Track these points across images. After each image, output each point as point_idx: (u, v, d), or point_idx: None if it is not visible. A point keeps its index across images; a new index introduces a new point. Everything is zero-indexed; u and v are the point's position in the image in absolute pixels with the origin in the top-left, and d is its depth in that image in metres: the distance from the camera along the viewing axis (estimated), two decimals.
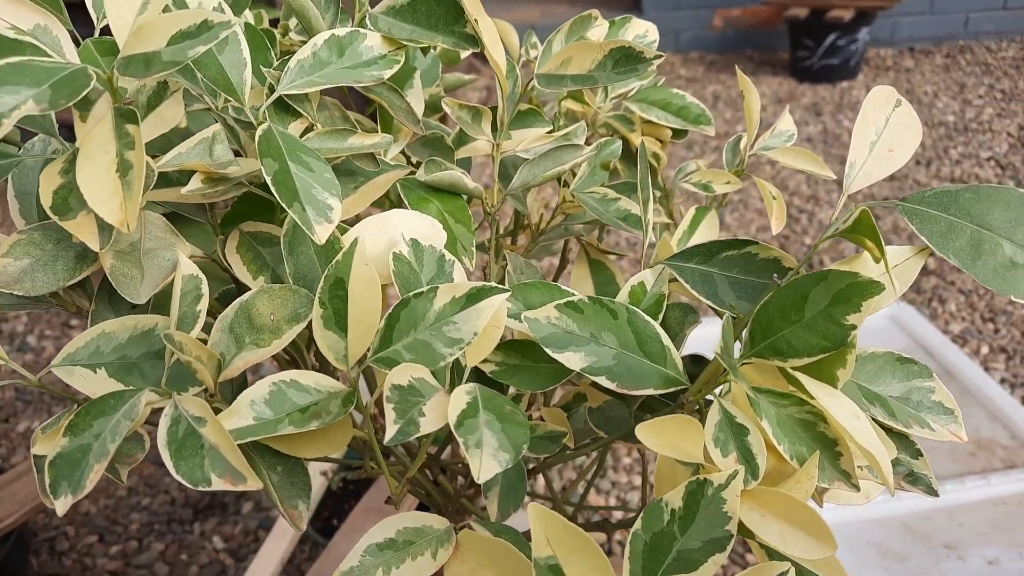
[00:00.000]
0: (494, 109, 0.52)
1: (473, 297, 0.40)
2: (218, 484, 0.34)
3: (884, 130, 0.42)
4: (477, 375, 0.47)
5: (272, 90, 0.44)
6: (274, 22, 0.69)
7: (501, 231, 0.69)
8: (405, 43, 0.47)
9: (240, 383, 0.45)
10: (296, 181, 0.39)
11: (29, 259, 0.40)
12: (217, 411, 0.38)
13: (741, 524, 0.38)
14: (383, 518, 0.42)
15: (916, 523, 1.15)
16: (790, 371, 0.40)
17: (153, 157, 0.41)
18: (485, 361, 0.46)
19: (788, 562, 0.37)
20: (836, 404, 0.39)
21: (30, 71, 0.32)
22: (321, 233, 0.38)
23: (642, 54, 0.45)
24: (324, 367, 0.51)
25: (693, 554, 0.37)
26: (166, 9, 0.40)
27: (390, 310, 0.41)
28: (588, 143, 0.60)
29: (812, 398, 0.39)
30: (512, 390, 0.49)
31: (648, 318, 0.44)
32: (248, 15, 0.57)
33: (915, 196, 0.40)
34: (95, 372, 0.39)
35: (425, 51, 0.61)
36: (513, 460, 0.35)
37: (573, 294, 0.45)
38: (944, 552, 1.10)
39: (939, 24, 3.18)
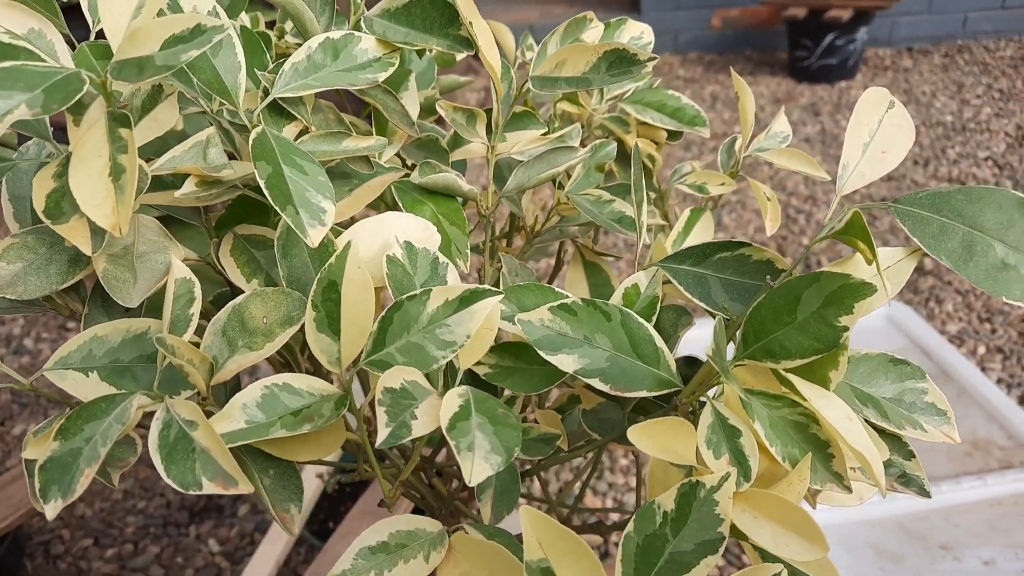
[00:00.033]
0: (489, 111, 0.52)
1: (466, 300, 0.41)
2: (209, 488, 0.34)
3: (877, 131, 0.42)
4: (471, 377, 0.47)
5: (266, 93, 0.44)
6: (271, 24, 0.69)
7: (497, 233, 0.69)
8: (400, 46, 0.47)
9: (234, 386, 0.45)
10: (290, 184, 0.39)
11: (22, 263, 0.40)
12: (210, 414, 0.38)
13: (733, 526, 0.38)
14: (379, 521, 0.42)
15: (912, 524, 1.15)
16: (783, 373, 0.41)
17: (149, 160, 0.41)
18: (479, 363, 0.46)
19: (781, 564, 0.38)
20: (828, 406, 0.39)
21: (23, 76, 0.32)
22: (314, 236, 0.38)
23: (636, 56, 0.45)
24: (318, 370, 0.51)
25: (685, 556, 0.37)
26: (161, 13, 0.40)
27: (383, 313, 0.41)
28: (584, 145, 0.60)
29: (804, 400, 0.39)
30: (507, 392, 0.50)
31: (641, 320, 0.44)
32: (244, 18, 0.57)
33: (907, 198, 0.40)
34: (87, 376, 0.39)
35: (421, 53, 0.61)
36: (505, 463, 0.35)
37: (567, 296, 0.45)
38: (940, 553, 1.10)
39: (937, 24, 3.18)
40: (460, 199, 0.52)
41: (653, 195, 0.64)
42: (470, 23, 0.45)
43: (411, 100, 0.51)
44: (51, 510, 0.32)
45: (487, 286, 0.41)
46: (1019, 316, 1.66)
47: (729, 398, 0.42)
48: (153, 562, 1.25)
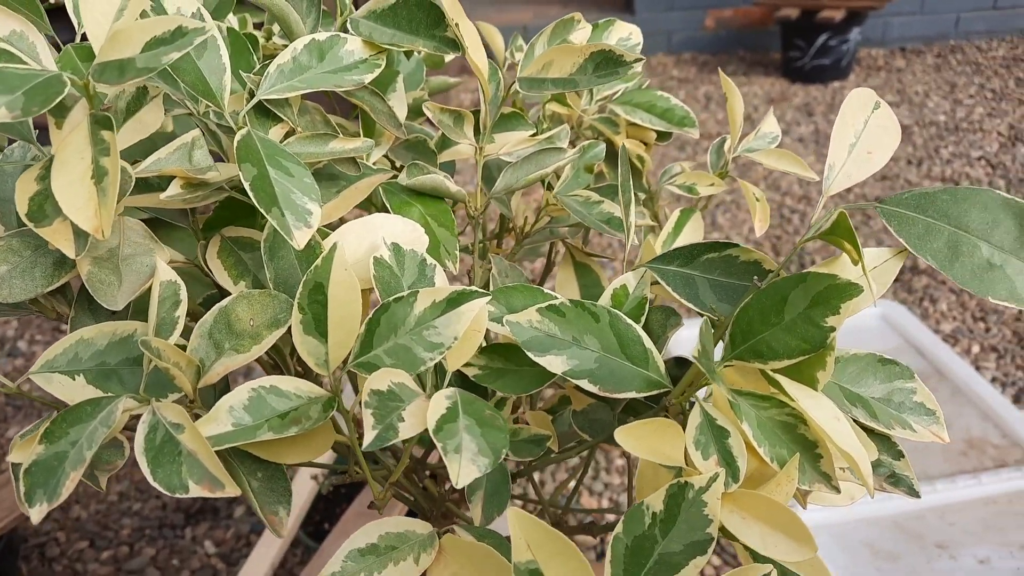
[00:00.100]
0: (476, 113, 0.52)
1: (453, 301, 0.40)
2: (196, 491, 0.34)
3: (863, 132, 0.42)
4: (461, 379, 0.47)
5: (252, 95, 0.44)
6: (259, 25, 0.69)
7: (487, 234, 0.69)
8: (386, 47, 0.47)
9: (223, 388, 0.45)
10: (275, 186, 0.39)
11: (7, 265, 0.40)
12: (197, 417, 0.38)
13: (722, 527, 0.38)
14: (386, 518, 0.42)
15: (908, 522, 1.15)
16: (770, 373, 0.40)
17: (135, 162, 0.41)
18: (468, 365, 0.46)
19: (770, 564, 0.38)
20: (816, 406, 0.39)
21: (3, 78, 0.32)
22: (300, 238, 0.38)
23: (622, 57, 0.45)
24: (307, 372, 0.51)
25: (674, 557, 0.37)
26: (144, 15, 0.40)
27: (370, 315, 0.41)
28: (573, 146, 0.60)
29: (792, 400, 0.39)
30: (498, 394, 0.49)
31: (630, 321, 0.44)
32: (232, 19, 0.57)
33: (893, 198, 0.40)
34: (73, 379, 0.39)
35: (409, 55, 0.61)
36: (492, 465, 0.35)
37: (555, 297, 0.45)
38: (936, 551, 1.10)
39: (930, 24, 3.19)
40: (449, 200, 0.52)
41: (643, 196, 0.64)
42: (456, 24, 0.45)
43: (399, 101, 0.51)
44: (36, 514, 0.32)
45: (474, 287, 0.41)
46: (1013, 315, 1.66)
47: (718, 399, 0.42)
48: (149, 564, 1.25)
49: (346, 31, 0.48)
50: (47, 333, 1.80)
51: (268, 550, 1.11)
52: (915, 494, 0.44)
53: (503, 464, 0.48)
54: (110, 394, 0.38)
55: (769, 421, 0.40)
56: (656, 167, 2.22)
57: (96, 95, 0.37)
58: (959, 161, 2.27)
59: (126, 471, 1.42)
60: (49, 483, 0.33)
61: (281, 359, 0.50)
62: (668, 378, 0.44)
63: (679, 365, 0.51)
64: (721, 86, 2.99)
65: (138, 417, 0.38)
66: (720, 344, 0.43)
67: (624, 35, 0.59)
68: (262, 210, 0.37)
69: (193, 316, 0.44)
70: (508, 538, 0.44)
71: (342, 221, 0.50)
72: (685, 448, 0.40)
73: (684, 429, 0.41)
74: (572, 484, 1.18)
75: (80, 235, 0.36)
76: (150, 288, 0.41)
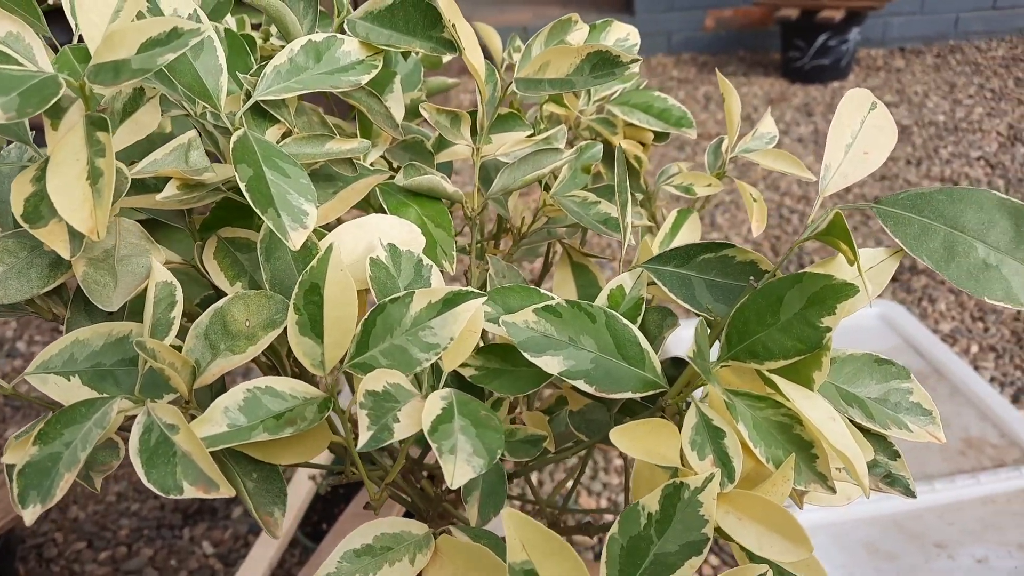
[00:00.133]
0: (473, 113, 0.52)
1: (449, 302, 0.40)
2: (190, 492, 0.34)
3: (859, 132, 0.42)
4: (458, 379, 0.47)
5: (249, 96, 0.44)
6: (258, 26, 0.69)
7: (485, 235, 0.69)
8: (383, 48, 0.47)
9: (219, 389, 0.45)
10: (271, 187, 0.39)
11: (3, 266, 0.40)
12: (193, 418, 0.38)
13: (718, 527, 0.38)
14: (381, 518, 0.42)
15: (907, 522, 1.15)
16: (766, 374, 0.41)
17: (133, 163, 0.41)
18: (465, 365, 0.46)
19: (766, 564, 0.38)
20: (812, 406, 0.39)
21: None
22: (296, 239, 0.38)
23: (619, 58, 0.45)
24: (304, 373, 0.51)
25: (670, 558, 0.37)
26: (140, 16, 0.40)
27: (366, 315, 0.41)
28: (571, 146, 0.60)
29: (788, 400, 0.39)
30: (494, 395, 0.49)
31: (626, 321, 0.44)
32: (230, 20, 0.57)
33: (889, 198, 0.40)
34: (69, 380, 0.39)
35: (406, 55, 0.61)
36: (487, 465, 0.35)
37: (552, 298, 0.45)
38: (935, 551, 1.10)
39: (929, 24, 3.19)
40: (447, 201, 0.52)
41: (640, 196, 0.64)
42: (453, 25, 0.45)
43: (396, 102, 0.51)
44: (30, 515, 0.32)
45: (470, 288, 0.41)
46: (1012, 315, 1.66)
47: (714, 399, 0.42)
48: (147, 564, 1.25)
49: (343, 32, 0.48)
50: (46, 334, 1.80)
51: (266, 550, 1.11)
52: (911, 494, 0.44)
53: (499, 465, 0.48)
54: (105, 395, 0.38)
55: (765, 421, 0.40)
56: (656, 167, 2.22)
57: (92, 96, 0.37)
58: (958, 161, 2.27)
59: (124, 472, 1.42)
60: (43, 484, 0.33)
61: (278, 360, 0.50)
62: (664, 378, 0.44)
63: (676, 365, 0.51)
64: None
65: (134, 418, 0.38)
66: (716, 344, 0.44)
67: (622, 36, 0.59)
68: (258, 211, 0.37)
69: (191, 317, 0.44)
70: (504, 538, 0.44)
71: (340, 222, 0.50)
72: (681, 448, 0.40)
73: (680, 429, 0.41)
74: (570, 484, 1.18)
75: (75, 236, 0.36)
76: (146, 289, 0.41)
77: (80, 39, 0.43)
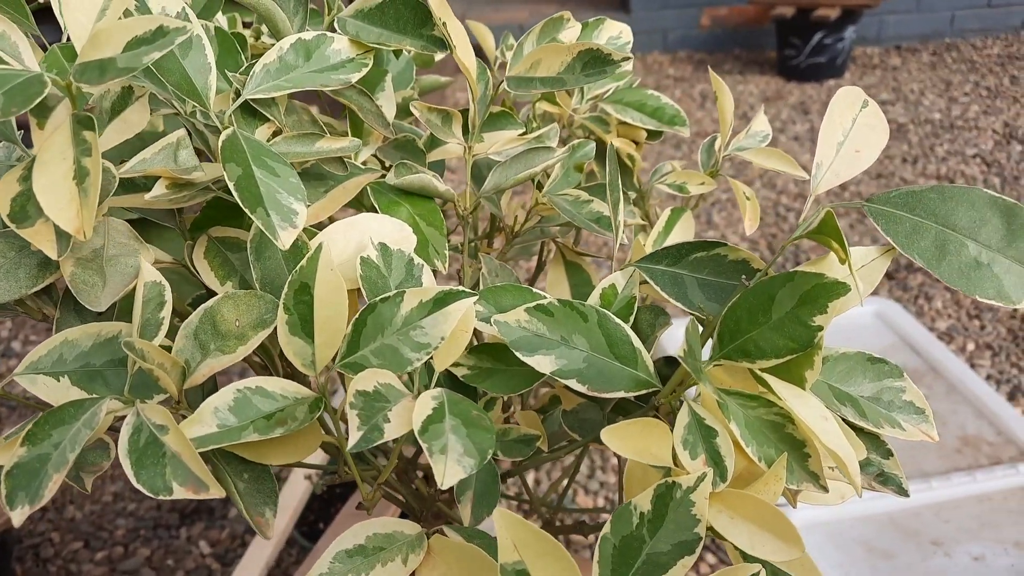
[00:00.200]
0: (465, 112, 0.52)
1: (440, 301, 0.40)
2: (179, 493, 0.34)
3: (851, 131, 0.42)
4: (451, 379, 0.47)
5: (238, 94, 0.44)
6: (249, 24, 0.69)
7: (479, 233, 0.69)
8: (374, 47, 0.47)
9: (210, 389, 0.45)
10: (260, 186, 0.39)
11: None
12: (183, 419, 0.38)
13: (710, 527, 0.38)
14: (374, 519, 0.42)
15: (903, 520, 1.15)
16: (758, 373, 0.40)
17: (123, 162, 0.40)
18: (458, 365, 0.46)
19: (758, 564, 0.37)
20: (804, 405, 0.39)
21: None
22: (285, 238, 0.38)
23: (610, 56, 0.45)
24: (296, 372, 0.51)
25: (662, 557, 0.37)
26: (127, 14, 0.40)
27: (357, 315, 0.40)
28: (565, 145, 0.60)
29: (780, 400, 0.39)
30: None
31: (619, 321, 0.44)
32: (221, 18, 0.57)
33: (881, 196, 0.40)
34: (58, 380, 0.39)
35: (398, 54, 0.61)
36: (478, 466, 0.35)
37: (544, 297, 0.45)
38: (931, 549, 1.10)
39: (925, 22, 3.19)
40: (440, 200, 0.51)
41: (633, 195, 0.64)
42: (443, 23, 0.45)
43: (387, 101, 0.51)
44: (18, 516, 0.32)
45: (461, 287, 0.41)
46: (1008, 312, 1.66)
47: (706, 398, 0.42)
48: (144, 564, 1.25)
49: (333, 30, 0.48)
50: (42, 334, 1.80)
51: (262, 550, 1.11)
52: (904, 493, 0.44)
53: (492, 464, 0.48)
54: (95, 396, 0.38)
55: (757, 420, 0.40)
56: (651, 165, 2.22)
57: (79, 95, 0.36)
58: (954, 159, 2.27)
59: (121, 472, 1.41)
60: (31, 485, 0.33)
61: (269, 359, 0.50)
62: (657, 377, 0.44)
63: (669, 364, 0.51)
64: None
65: (124, 418, 0.38)
66: (709, 343, 0.43)
67: (614, 34, 0.59)
68: (247, 210, 0.37)
69: (183, 317, 0.44)
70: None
71: (332, 221, 0.50)
72: (673, 448, 0.40)
73: (673, 429, 0.41)
74: (563, 484, 1.18)
75: (62, 236, 0.35)
76: (135, 289, 0.40)
77: (69, 38, 0.43)
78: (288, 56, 0.44)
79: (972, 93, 2.70)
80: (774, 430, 0.40)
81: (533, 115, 0.65)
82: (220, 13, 0.54)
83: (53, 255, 0.35)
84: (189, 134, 0.43)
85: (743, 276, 0.44)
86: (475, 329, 0.45)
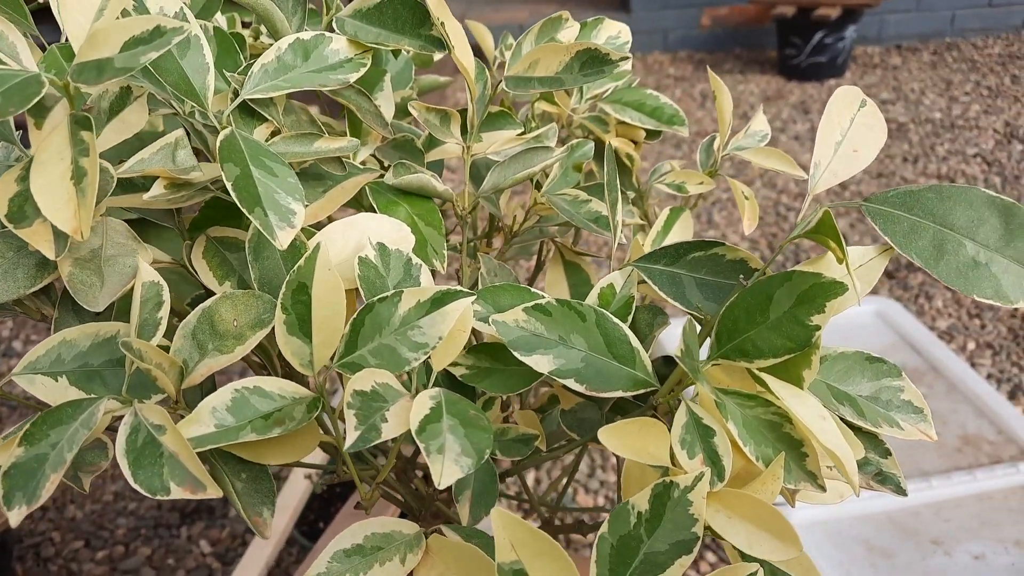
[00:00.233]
0: (463, 112, 0.52)
1: (438, 301, 0.40)
2: (177, 493, 0.34)
3: (849, 130, 0.42)
4: (449, 379, 0.47)
5: (236, 94, 0.44)
6: (248, 24, 0.69)
7: (478, 233, 0.69)
8: (372, 46, 0.47)
9: (209, 389, 0.45)
10: (258, 186, 0.39)
11: None
12: (182, 419, 0.38)
13: (707, 526, 0.38)
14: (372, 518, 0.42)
15: (903, 519, 1.15)
16: (756, 372, 0.40)
17: (122, 162, 0.40)
18: (456, 364, 0.46)
19: (756, 563, 0.37)
20: (801, 405, 0.39)
21: None
22: (283, 238, 0.38)
23: (608, 56, 0.45)
24: (294, 372, 0.51)
25: (660, 556, 0.37)
26: (125, 14, 0.40)
27: (355, 315, 0.40)
28: (564, 144, 0.60)
29: (778, 399, 0.39)
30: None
31: (617, 320, 0.44)
32: (220, 18, 0.57)
33: (879, 196, 0.40)
34: (56, 380, 0.39)
35: (396, 54, 0.61)
36: (475, 465, 0.35)
37: (542, 297, 0.45)
38: (931, 548, 1.10)
39: (926, 21, 3.19)
40: (439, 200, 0.51)
41: (632, 195, 0.63)
42: (442, 23, 0.45)
43: (386, 101, 0.51)
44: (15, 517, 0.32)
45: (459, 287, 0.41)
46: (1008, 312, 1.66)
47: (704, 398, 0.42)
48: (144, 564, 1.25)
49: (332, 30, 0.48)
50: (43, 333, 1.80)
51: (263, 549, 1.11)
52: (902, 492, 0.44)
53: (491, 464, 0.48)
54: (92, 396, 0.38)
55: (755, 420, 0.40)
56: (652, 165, 2.22)
57: (77, 95, 0.36)
58: (955, 158, 2.27)
59: (121, 471, 1.41)
60: (28, 486, 0.33)
61: (268, 359, 0.50)
62: (655, 377, 0.44)
63: (668, 364, 0.51)
64: None
65: (122, 418, 0.38)
66: (707, 343, 0.43)
67: (613, 33, 0.59)
68: (244, 210, 0.37)
69: (182, 316, 0.44)
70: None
71: (331, 220, 0.50)
72: (671, 447, 0.40)
73: (671, 428, 0.41)
74: (563, 484, 1.18)
75: (60, 236, 0.36)
76: (133, 289, 0.40)
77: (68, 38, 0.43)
78: (286, 56, 0.44)
79: (973, 92, 2.70)
80: (772, 429, 0.40)
81: (532, 115, 0.65)
82: (219, 13, 0.54)
83: (51, 255, 0.35)
84: (188, 134, 0.43)
85: (741, 276, 0.44)
86: (475, 329, 0.45)
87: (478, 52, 0.61)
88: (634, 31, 3.27)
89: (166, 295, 0.39)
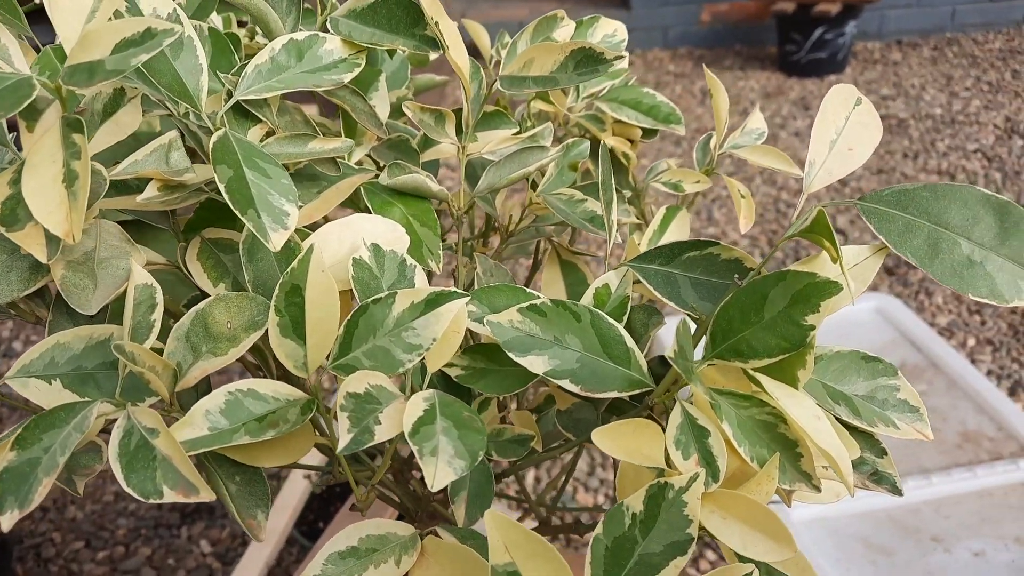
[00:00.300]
0: (458, 111, 0.52)
1: (432, 302, 0.40)
2: (170, 496, 0.34)
3: (844, 128, 0.42)
4: (445, 380, 0.47)
5: (230, 95, 0.44)
6: (244, 24, 0.69)
7: (474, 233, 0.69)
8: (366, 46, 0.47)
9: (204, 391, 0.45)
10: (252, 188, 0.39)
11: None
12: (175, 421, 0.38)
13: (702, 527, 0.38)
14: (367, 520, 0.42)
15: (903, 516, 1.15)
16: (751, 372, 0.40)
17: (116, 164, 0.40)
18: (451, 365, 0.46)
19: (752, 564, 0.37)
20: (796, 405, 0.39)
21: None
22: (276, 240, 0.37)
23: (603, 55, 0.45)
24: (289, 374, 0.51)
25: (654, 558, 0.37)
26: (118, 15, 0.40)
27: (349, 316, 0.40)
28: (560, 143, 0.59)
29: (773, 399, 0.39)
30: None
31: (612, 320, 0.44)
32: (215, 19, 0.57)
33: (873, 195, 0.40)
34: (50, 383, 0.39)
35: (391, 53, 0.61)
36: (469, 467, 0.35)
37: (537, 297, 0.45)
38: (931, 545, 1.10)
39: (926, 17, 3.18)
40: (435, 200, 0.51)
41: (628, 193, 0.63)
42: (436, 23, 0.45)
43: (381, 101, 0.51)
44: (7, 521, 0.32)
45: (453, 288, 0.41)
46: (1008, 308, 1.66)
47: (699, 398, 0.42)
48: (144, 564, 1.25)
49: (326, 30, 0.48)
50: (43, 334, 1.80)
51: (262, 549, 1.11)
52: (897, 492, 0.44)
53: (486, 465, 0.48)
54: (86, 399, 0.38)
55: (750, 420, 0.40)
56: (651, 163, 2.22)
57: (69, 97, 0.36)
58: (955, 154, 2.27)
59: None
60: (21, 490, 0.33)
61: (264, 361, 0.50)
62: (651, 377, 0.44)
63: (663, 364, 0.51)
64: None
65: (115, 421, 0.38)
66: (703, 342, 0.43)
67: (609, 32, 0.59)
68: (238, 212, 0.37)
69: (178, 318, 0.44)
70: None
71: (327, 221, 0.50)
72: (665, 448, 0.40)
73: (666, 428, 0.41)
74: (560, 484, 1.18)
75: (52, 239, 0.35)
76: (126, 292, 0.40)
77: None
78: (280, 57, 0.44)
79: (973, 88, 2.69)
80: (766, 430, 0.40)
81: (528, 114, 0.65)
82: (215, 13, 0.54)
83: (43, 258, 0.35)
84: (182, 135, 0.43)
85: (736, 275, 0.44)
86: (473, 330, 0.45)
87: (474, 51, 0.61)
88: (634, 28, 3.27)
89: (159, 297, 0.39)
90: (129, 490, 0.34)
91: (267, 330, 0.40)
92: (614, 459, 0.68)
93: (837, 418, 0.43)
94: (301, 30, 0.49)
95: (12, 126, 0.45)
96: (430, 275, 0.48)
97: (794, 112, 2.64)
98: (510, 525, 0.36)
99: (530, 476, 1.35)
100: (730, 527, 0.38)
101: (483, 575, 0.41)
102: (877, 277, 1.78)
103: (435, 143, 0.54)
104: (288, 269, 0.39)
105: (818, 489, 0.39)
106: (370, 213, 0.47)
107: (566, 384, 0.42)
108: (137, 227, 0.48)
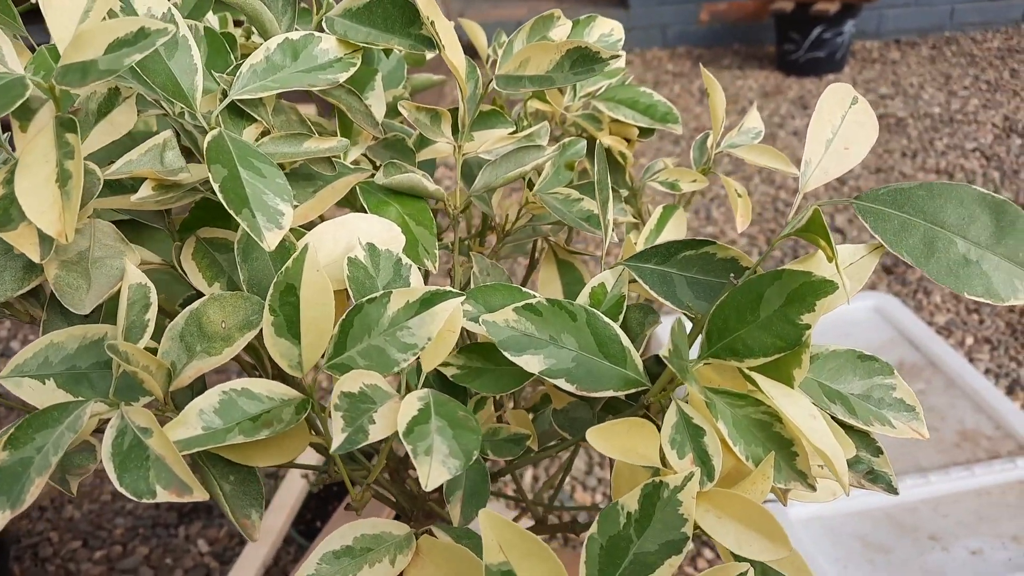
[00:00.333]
0: (454, 111, 0.52)
1: (427, 302, 0.40)
2: (163, 496, 0.34)
3: (840, 128, 0.42)
4: (441, 379, 0.47)
5: (225, 95, 0.44)
6: (241, 23, 0.68)
7: (471, 232, 0.69)
8: (362, 46, 0.47)
9: (199, 391, 0.45)
10: (246, 187, 0.39)
11: None
12: (170, 421, 0.38)
13: (697, 526, 0.38)
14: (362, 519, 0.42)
15: (901, 515, 1.15)
16: (746, 371, 0.40)
17: (111, 163, 0.40)
18: (447, 365, 0.46)
19: (747, 563, 0.37)
20: (791, 404, 0.39)
21: None
22: (271, 240, 0.37)
23: (598, 54, 0.45)
24: (284, 373, 0.51)
25: (649, 557, 0.37)
26: (112, 15, 0.40)
27: (344, 316, 0.40)
28: (557, 143, 0.59)
29: (768, 398, 0.39)
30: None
31: (608, 320, 0.44)
32: (212, 18, 0.57)
33: (869, 194, 0.40)
34: (44, 383, 0.39)
35: (388, 53, 0.60)
36: (463, 467, 0.35)
37: (533, 296, 0.45)
38: (929, 543, 1.10)
39: (924, 16, 3.18)
40: (432, 200, 0.51)
41: (625, 193, 0.63)
42: (431, 22, 0.45)
43: (377, 100, 0.51)
44: None
45: (448, 288, 0.41)
46: (1006, 307, 1.66)
47: (694, 397, 0.42)
48: (142, 563, 1.25)
49: (322, 30, 0.47)
50: (40, 334, 1.80)
51: (259, 549, 1.11)
52: (893, 491, 0.44)
53: (482, 464, 0.48)
54: (80, 399, 0.38)
55: (745, 419, 0.40)
56: (650, 161, 2.22)
57: (63, 97, 0.36)
58: (954, 153, 2.27)
59: None
60: (13, 490, 0.33)
61: (259, 360, 0.49)
62: (647, 376, 0.44)
63: (660, 363, 0.51)
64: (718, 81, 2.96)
65: (107, 421, 0.38)
66: (699, 341, 0.43)
67: (605, 31, 0.59)
68: (232, 212, 0.37)
69: (173, 318, 0.44)
70: None
71: (323, 220, 0.50)
72: (661, 447, 0.40)
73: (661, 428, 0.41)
74: (557, 482, 1.18)
75: (45, 239, 0.35)
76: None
77: None
78: (275, 56, 0.44)
79: (972, 87, 2.69)
80: (762, 429, 0.40)
81: (525, 113, 0.65)
82: (211, 12, 0.54)
83: (36, 258, 0.35)
84: (177, 135, 0.43)
85: (731, 274, 0.44)
86: (469, 329, 0.45)
87: (472, 50, 0.61)
88: (633, 27, 3.27)
89: (153, 297, 0.39)
90: (122, 490, 0.34)
91: (262, 329, 0.40)
92: (611, 458, 0.68)
93: (833, 417, 0.43)
94: (297, 29, 0.49)
95: (5, 126, 0.45)
96: (426, 274, 0.48)
97: (792, 111, 2.64)
98: (504, 524, 0.36)
99: (528, 475, 1.35)
100: (725, 526, 0.38)
101: (478, 575, 0.41)
102: (875, 276, 1.78)
103: (431, 142, 0.54)
104: (283, 268, 0.39)
105: (813, 488, 0.39)
106: (366, 212, 0.47)
107: (562, 383, 0.42)
108: (132, 226, 0.48)
